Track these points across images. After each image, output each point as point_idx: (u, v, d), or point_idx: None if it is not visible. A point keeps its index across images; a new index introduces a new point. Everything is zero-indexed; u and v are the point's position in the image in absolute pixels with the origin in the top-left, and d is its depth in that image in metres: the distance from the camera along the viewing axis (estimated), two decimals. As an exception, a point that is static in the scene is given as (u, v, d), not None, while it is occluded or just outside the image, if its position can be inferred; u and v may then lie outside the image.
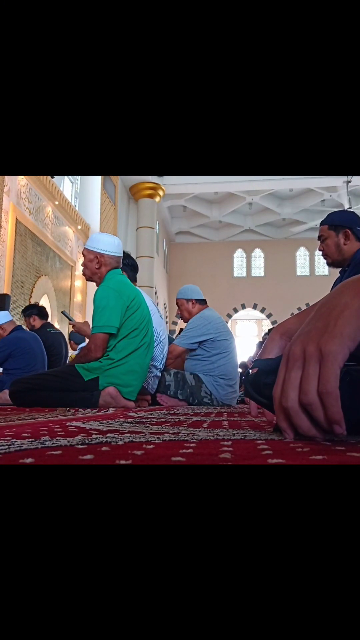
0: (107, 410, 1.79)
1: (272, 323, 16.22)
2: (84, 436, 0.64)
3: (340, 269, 2.15)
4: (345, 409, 0.49)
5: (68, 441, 0.57)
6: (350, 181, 12.19)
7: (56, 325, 5.12)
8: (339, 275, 2.17)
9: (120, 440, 0.59)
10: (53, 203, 7.56)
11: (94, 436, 0.64)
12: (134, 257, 3.18)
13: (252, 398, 0.71)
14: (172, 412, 1.73)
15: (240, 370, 4.01)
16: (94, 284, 2.46)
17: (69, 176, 9.14)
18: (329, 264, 2.17)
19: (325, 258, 2.16)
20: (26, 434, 0.67)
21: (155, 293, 12.35)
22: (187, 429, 0.79)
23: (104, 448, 0.51)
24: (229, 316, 16.63)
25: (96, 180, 9.65)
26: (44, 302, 7.15)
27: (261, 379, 0.68)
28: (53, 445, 0.53)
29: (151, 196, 12.15)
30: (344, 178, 12.13)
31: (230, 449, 0.50)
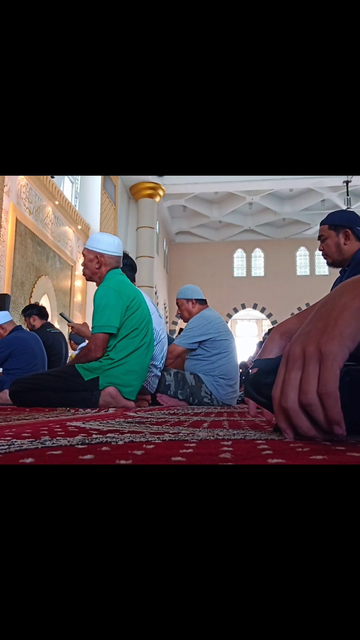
0: (107, 410, 1.79)
1: (272, 323, 16.22)
2: (84, 436, 0.64)
3: (340, 269, 2.15)
4: (345, 409, 0.49)
5: (68, 441, 0.57)
6: (350, 181, 12.19)
7: (56, 325, 5.12)
8: (339, 275, 2.17)
9: (121, 440, 0.59)
10: (53, 203, 7.56)
11: (94, 436, 0.64)
12: (134, 257, 3.19)
13: (252, 398, 0.71)
14: (172, 412, 1.73)
15: (240, 370, 4.01)
16: (94, 283, 2.46)
17: (69, 176, 9.14)
18: (329, 264, 2.17)
19: (325, 258, 2.16)
20: (26, 434, 0.67)
21: (155, 293, 12.35)
22: (187, 429, 0.79)
23: (104, 448, 0.51)
24: (229, 316, 16.63)
25: (96, 180, 9.65)
26: (44, 302, 7.15)
27: (261, 378, 0.68)
28: (53, 445, 0.53)
29: (151, 196, 12.15)
30: (344, 178, 12.13)
31: (230, 449, 0.50)
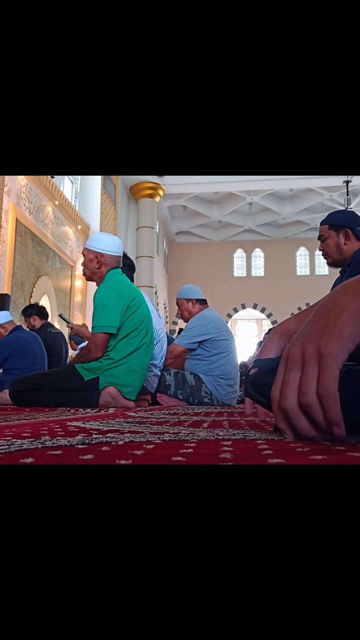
0: (107, 410, 1.79)
1: (272, 323, 16.22)
2: (84, 436, 0.64)
3: (340, 269, 2.15)
4: (346, 409, 0.49)
5: (68, 441, 0.57)
6: (350, 181, 12.19)
7: (56, 325, 5.12)
8: (339, 275, 2.17)
9: (121, 440, 0.59)
10: (53, 203, 7.56)
11: (94, 436, 0.64)
12: (134, 257, 3.19)
13: (252, 398, 0.71)
14: (172, 412, 1.73)
15: (240, 370, 4.01)
16: (94, 283, 2.46)
17: (69, 176, 9.14)
18: (329, 264, 2.17)
19: (325, 258, 2.16)
20: (26, 434, 0.67)
21: (155, 293, 12.35)
22: (187, 429, 0.79)
23: (104, 448, 0.51)
24: (229, 316, 16.63)
25: (96, 180, 9.65)
26: (44, 302, 7.15)
27: (261, 378, 0.68)
28: (53, 445, 0.53)
29: (151, 196, 12.15)
30: (344, 178, 12.14)
31: (231, 448, 0.50)
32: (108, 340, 2.26)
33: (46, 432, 0.71)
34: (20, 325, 3.64)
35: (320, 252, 2.18)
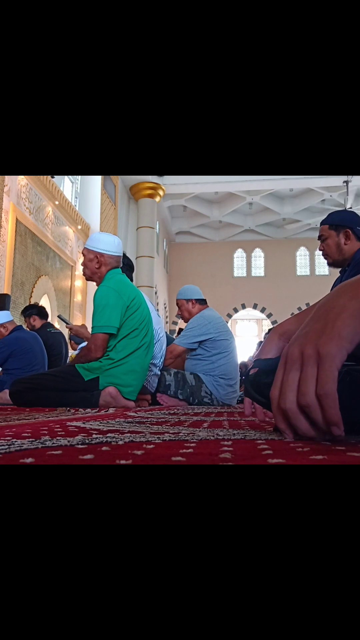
0: (107, 410, 1.79)
1: (272, 323, 16.22)
2: (84, 436, 0.64)
3: (340, 269, 2.15)
4: (346, 409, 0.49)
5: (68, 441, 0.57)
6: (350, 181, 12.19)
7: (56, 326, 5.12)
8: (339, 275, 2.17)
9: (121, 440, 0.59)
10: (53, 203, 7.56)
11: (94, 436, 0.64)
12: (134, 257, 3.19)
13: (252, 398, 0.71)
14: (172, 412, 1.73)
15: (240, 370, 4.01)
16: (94, 283, 2.46)
17: (69, 176, 9.14)
18: (329, 264, 2.17)
19: (325, 258, 2.16)
20: (26, 434, 0.67)
21: (155, 293, 12.35)
22: (187, 429, 0.79)
23: (104, 448, 0.51)
24: (229, 316, 16.63)
25: (96, 180, 9.65)
26: (44, 302, 7.15)
27: (261, 378, 0.68)
28: (53, 445, 0.53)
29: (151, 196, 12.15)
30: (344, 178, 12.13)
31: (231, 448, 0.50)
32: (108, 340, 2.26)
33: (46, 432, 0.71)
34: (21, 325, 3.64)
35: (321, 252, 2.18)
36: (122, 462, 0.40)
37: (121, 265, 2.50)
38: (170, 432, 0.73)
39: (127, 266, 2.94)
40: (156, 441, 0.58)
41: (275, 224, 16.37)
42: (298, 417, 0.51)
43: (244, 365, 6.28)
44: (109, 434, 0.67)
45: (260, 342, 7.89)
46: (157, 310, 2.98)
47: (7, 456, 0.44)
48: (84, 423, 0.95)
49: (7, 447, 0.50)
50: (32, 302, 6.27)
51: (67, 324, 2.81)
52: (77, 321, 8.53)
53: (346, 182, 12.23)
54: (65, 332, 4.82)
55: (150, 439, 0.61)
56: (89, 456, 0.44)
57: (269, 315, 16.75)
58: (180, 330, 5.89)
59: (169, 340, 3.25)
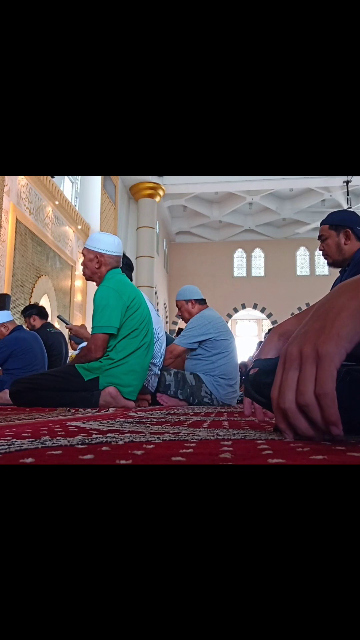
0: (107, 410, 1.79)
1: (272, 323, 16.22)
2: (84, 436, 0.64)
3: (340, 269, 2.15)
4: (346, 409, 0.49)
5: (68, 441, 0.57)
6: (350, 181, 12.19)
7: (56, 325, 5.12)
8: (339, 275, 2.17)
9: (121, 440, 0.59)
10: (53, 203, 7.56)
11: (94, 436, 0.64)
12: (134, 257, 3.19)
13: (252, 398, 0.71)
14: (172, 412, 1.73)
15: (240, 370, 4.01)
16: (94, 283, 2.46)
17: (69, 176, 9.14)
18: (329, 264, 2.17)
19: (325, 258, 2.16)
20: (26, 434, 0.67)
21: (155, 293, 12.35)
22: (187, 429, 0.79)
23: (104, 448, 0.51)
24: (229, 316, 16.63)
25: (96, 180, 9.65)
26: (44, 302, 7.15)
27: (261, 378, 0.68)
28: (53, 445, 0.53)
29: (151, 196, 12.15)
30: (344, 178, 12.13)
31: (231, 448, 0.50)
32: (108, 340, 2.26)
33: (46, 432, 0.71)
34: (21, 325, 3.64)
35: (321, 252, 2.18)
36: (122, 462, 0.40)
37: (121, 265, 2.50)
38: (170, 432, 0.73)
39: (126, 266, 2.94)
40: (156, 441, 0.58)
41: (275, 224, 16.37)
42: (297, 417, 0.51)
43: (244, 365, 6.28)
44: (109, 434, 0.67)
45: (260, 342, 7.90)
46: (157, 310, 2.98)
47: (7, 456, 0.44)
48: (84, 423, 0.95)
49: (7, 447, 0.50)
50: (32, 302, 6.27)
51: (67, 324, 2.81)
52: (77, 321, 8.53)
53: (346, 182, 12.23)
54: (65, 332, 4.82)
55: (150, 439, 0.61)
56: (89, 456, 0.44)
57: (269, 315, 16.76)
58: (180, 330, 5.90)
59: (169, 340, 3.25)
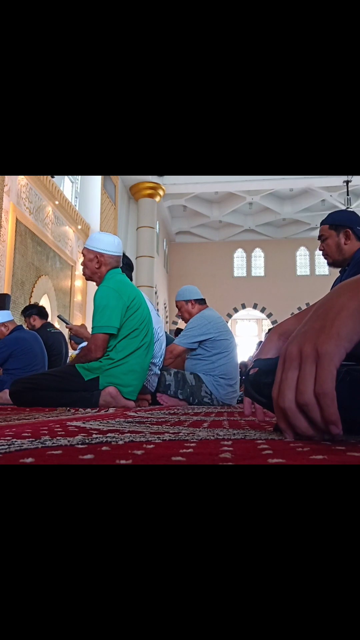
0: (107, 410, 1.79)
1: (272, 323, 16.22)
2: (84, 436, 0.64)
3: (340, 268, 2.15)
4: (346, 409, 0.49)
5: (68, 441, 0.57)
6: (350, 181, 12.19)
7: (56, 325, 5.12)
8: (339, 275, 2.17)
9: (121, 440, 0.59)
10: (53, 203, 7.56)
11: (94, 436, 0.64)
12: (134, 257, 3.19)
13: (252, 398, 0.71)
14: (172, 411, 1.73)
15: (240, 369, 4.01)
16: (94, 283, 2.46)
17: (69, 176, 9.14)
18: (329, 264, 2.17)
19: (325, 258, 2.16)
20: (26, 434, 0.67)
21: (155, 293, 12.35)
22: (187, 429, 0.79)
23: (104, 448, 0.51)
24: (229, 316, 16.63)
25: (96, 180, 9.64)
26: (44, 302, 7.15)
27: (261, 378, 0.68)
28: (53, 445, 0.53)
29: (151, 196, 12.14)
30: (344, 178, 12.13)
31: (231, 448, 0.50)
32: (108, 340, 2.26)
33: (46, 432, 0.71)
34: (21, 325, 3.64)
35: (321, 252, 2.18)
36: (122, 462, 0.40)
37: (121, 265, 2.50)
38: (170, 432, 0.73)
39: (126, 265, 2.94)
40: (156, 441, 0.58)
41: (275, 223, 16.37)
42: (297, 416, 0.51)
43: (244, 365, 6.28)
44: (109, 434, 0.67)
45: (260, 342, 7.89)
46: (157, 310, 2.98)
47: (7, 456, 0.44)
48: (84, 423, 0.95)
49: (7, 447, 0.50)
50: (32, 302, 6.27)
51: (67, 324, 2.81)
52: (77, 321, 8.53)
53: (346, 182, 12.23)
54: (65, 332, 4.82)
55: (150, 438, 0.61)
56: (89, 456, 0.44)
57: (269, 315, 16.75)
58: (178, 330, 5.89)
59: (169, 340, 3.25)
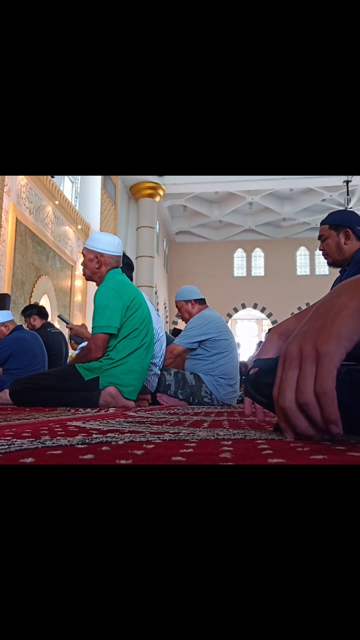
0: (107, 410, 1.79)
1: (272, 323, 16.22)
2: (84, 436, 0.64)
3: (340, 268, 2.15)
4: (346, 409, 0.49)
5: (68, 441, 0.57)
6: (350, 181, 12.19)
7: (56, 325, 5.12)
8: (339, 275, 2.17)
9: (121, 440, 0.59)
10: (53, 203, 7.56)
11: (94, 436, 0.64)
12: (134, 257, 3.19)
13: (252, 398, 0.71)
14: (172, 411, 1.73)
15: (240, 370, 4.00)
16: (94, 283, 2.46)
17: (69, 176, 9.14)
18: (329, 264, 2.17)
19: (325, 258, 2.16)
20: (26, 434, 0.67)
21: (156, 293, 12.35)
22: (187, 429, 0.79)
23: (104, 448, 0.51)
24: (229, 316, 16.63)
25: (96, 180, 9.64)
26: (44, 302, 7.15)
27: (261, 378, 0.68)
28: (53, 445, 0.53)
29: (151, 196, 12.14)
30: (344, 178, 12.13)
31: (231, 448, 0.50)
32: (108, 340, 2.26)
33: (46, 432, 0.71)
34: (21, 325, 3.64)
35: (321, 252, 2.18)
36: (122, 462, 0.40)
37: (121, 265, 2.50)
38: (170, 432, 0.73)
39: (126, 265, 2.94)
40: (156, 441, 0.58)
41: (275, 223, 16.36)
42: (297, 416, 0.51)
43: (244, 365, 6.28)
44: (109, 434, 0.67)
45: (260, 342, 7.89)
46: (157, 310, 2.98)
47: (7, 456, 0.44)
48: (84, 423, 0.95)
49: (7, 447, 0.50)
50: (32, 302, 6.27)
51: (67, 323, 2.81)
52: (77, 321, 8.53)
53: (346, 182, 12.23)
54: (66, 332, 4.82)
55: (150, 438, 0.61)
56: (89, 456, 0.44)
57: (269, 315, 16.75)
58: (176, 330, 5.89)
59: (169, 340, 3.25)
